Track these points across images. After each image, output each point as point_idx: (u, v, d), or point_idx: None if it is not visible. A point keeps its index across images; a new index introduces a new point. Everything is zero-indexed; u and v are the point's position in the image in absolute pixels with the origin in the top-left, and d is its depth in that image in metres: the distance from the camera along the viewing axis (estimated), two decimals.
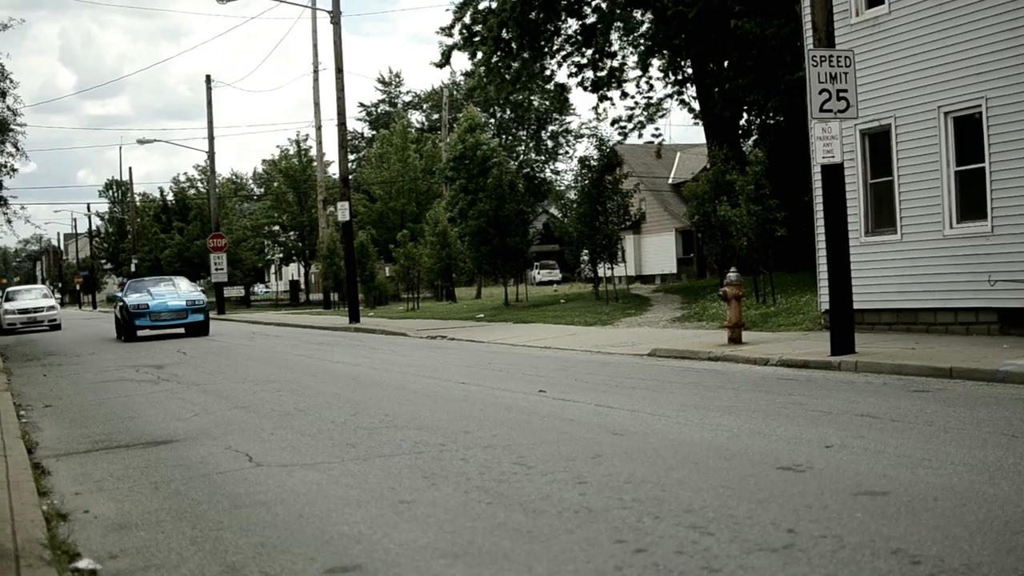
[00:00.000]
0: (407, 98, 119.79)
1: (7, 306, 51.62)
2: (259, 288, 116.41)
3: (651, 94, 47.14)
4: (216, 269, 60.63)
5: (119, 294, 41.52)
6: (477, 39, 43.75)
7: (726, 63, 43.36)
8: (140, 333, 36.86)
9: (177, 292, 38.36)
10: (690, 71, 45.75)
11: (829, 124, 16.94)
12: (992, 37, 18.78)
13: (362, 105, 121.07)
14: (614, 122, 47.31)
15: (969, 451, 8.71)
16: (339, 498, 8.03)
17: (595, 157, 41.73)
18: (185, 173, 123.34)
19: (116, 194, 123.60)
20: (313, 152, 78.32)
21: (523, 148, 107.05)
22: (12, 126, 40.55)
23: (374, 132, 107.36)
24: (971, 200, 19.49)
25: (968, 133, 19.64)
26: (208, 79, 62.52)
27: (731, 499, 7.24)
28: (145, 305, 36.33)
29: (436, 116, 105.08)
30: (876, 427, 10.31)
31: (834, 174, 17.34)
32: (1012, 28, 18.40)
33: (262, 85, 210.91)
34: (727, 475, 8.14)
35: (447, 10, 52.69)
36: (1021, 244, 18.37)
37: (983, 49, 18.92)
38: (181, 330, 37.97)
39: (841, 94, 16.93)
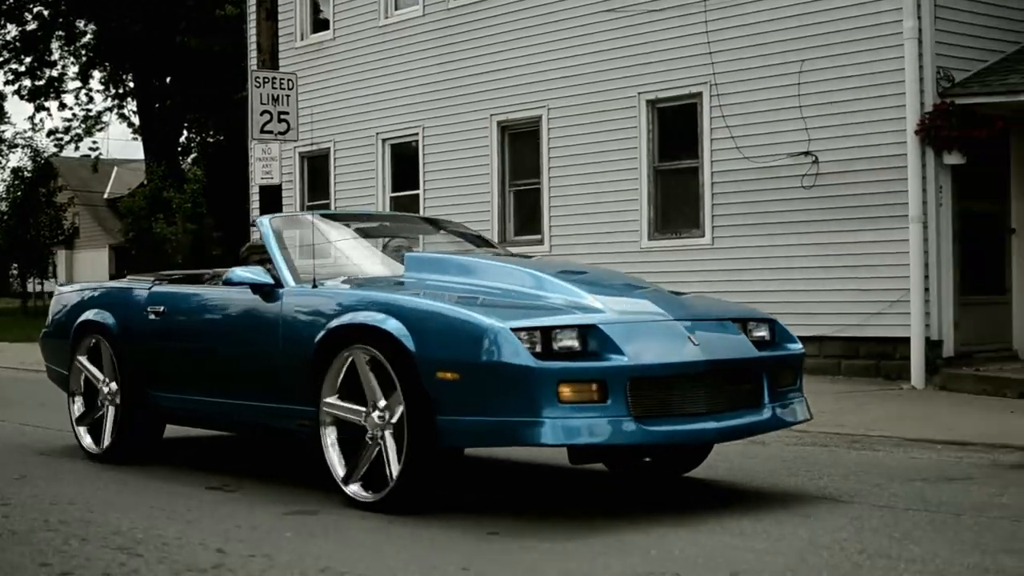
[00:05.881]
0: None
1: None
2: None
3: (91, 106, 45.85)
4: None
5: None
6: None
7: (169, 79, 42.89)
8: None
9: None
10: (132, 85, 44.92)
11: (269, 145, 17.03)
12: (426, 70, 19.57)
13: None
14: (50, 133, 45.68)
15: None
16: None
17: (28, 168, 40.22)
18: None
19: None
20: None
21: None
22: None
23: None
24: None
25: (404, 160, 20.33)
26: None
27: (160, 520, 7.08)
28: None
29: None
30: None
31: (272, 195, 17.47)
32: (444, 62, 19.25)
33: None
34: (158, 496, 7.96)
35: None
36: None
37: (419, 80, 19.67)
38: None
39: (283, 116, 17.06)
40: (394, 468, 7.00)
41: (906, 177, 14.36)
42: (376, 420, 7.15)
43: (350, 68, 21.10)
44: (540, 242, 18.11)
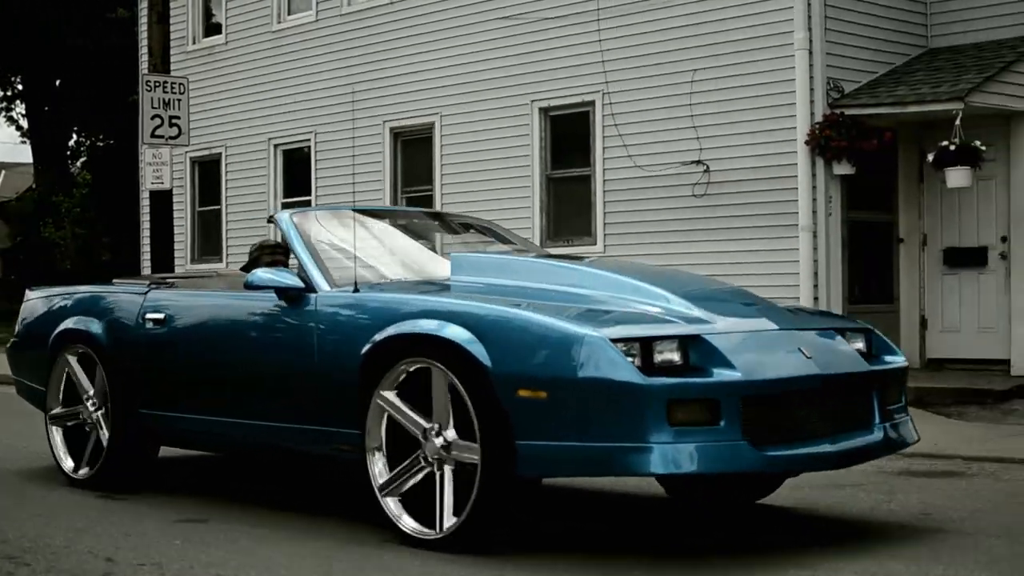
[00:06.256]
0: None
1: None
2: None
3: None
4: None
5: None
6: None
7: (59, 82, 42.31)
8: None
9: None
10: (21, 87, 44.24)
11: (160, 150, 16.89)
12: (319, 75, 19.48)
13: None
14: None
15: None
16: None
17: None
18: None
19: None
20: None
21: None
22: None
23: None
24: None
25: (297, 166, 20.22)
26: None
27: (48, 528, 6.97)
28: None
29: None
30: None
31: (162, 200, 17.34)
32: (337, 68, 19.17)
33: None
34: (46, 504, 7.83)
35: None
36: None
37: (312, 86, 19.56)
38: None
39: (174, 121, 16.94)
40: (452, 501, 6.12)
41: (796, 187, 14.52)
42: (438, 446, 6.18)
43: (242, 73, 20.93)
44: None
